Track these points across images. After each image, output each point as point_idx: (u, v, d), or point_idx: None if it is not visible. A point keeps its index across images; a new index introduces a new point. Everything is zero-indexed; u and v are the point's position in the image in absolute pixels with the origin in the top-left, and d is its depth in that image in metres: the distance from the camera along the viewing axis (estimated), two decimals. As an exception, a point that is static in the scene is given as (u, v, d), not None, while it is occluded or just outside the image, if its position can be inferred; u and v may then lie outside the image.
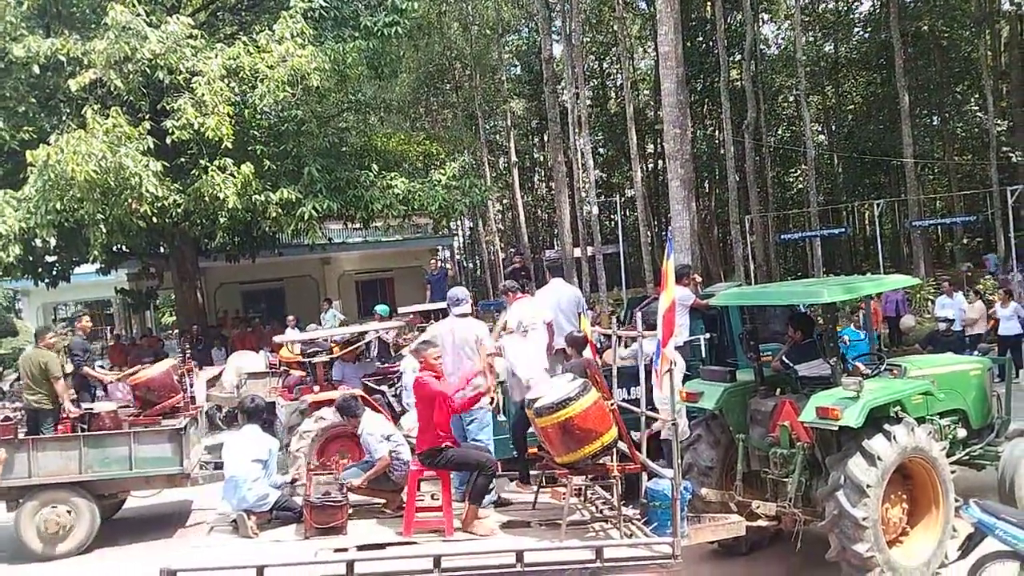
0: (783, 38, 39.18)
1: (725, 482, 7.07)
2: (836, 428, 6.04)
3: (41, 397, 9.18)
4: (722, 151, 31.41)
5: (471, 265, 48.96)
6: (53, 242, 13.73)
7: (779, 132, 39.02)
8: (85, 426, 9.16)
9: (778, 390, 7.15)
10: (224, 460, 6.53)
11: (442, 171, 17.16)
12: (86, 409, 9.53)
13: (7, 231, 12.74)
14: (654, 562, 5.54)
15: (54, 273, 17.40)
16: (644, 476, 6.21)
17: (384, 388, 10.91)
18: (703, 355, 8.85)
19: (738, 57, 32.07)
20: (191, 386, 12.66)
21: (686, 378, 7.55)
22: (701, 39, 34.60)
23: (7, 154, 14.00)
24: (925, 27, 30.65)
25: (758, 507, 6.58)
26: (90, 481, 8.50)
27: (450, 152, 25.09)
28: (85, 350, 10.95)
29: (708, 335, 8.94)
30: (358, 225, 19.17)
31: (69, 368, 10.63)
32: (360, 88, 17.59)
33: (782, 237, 29.29)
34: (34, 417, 9.26)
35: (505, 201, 42.18)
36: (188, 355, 12.61)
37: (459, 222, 43.54)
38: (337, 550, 5.60)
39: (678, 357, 7.27)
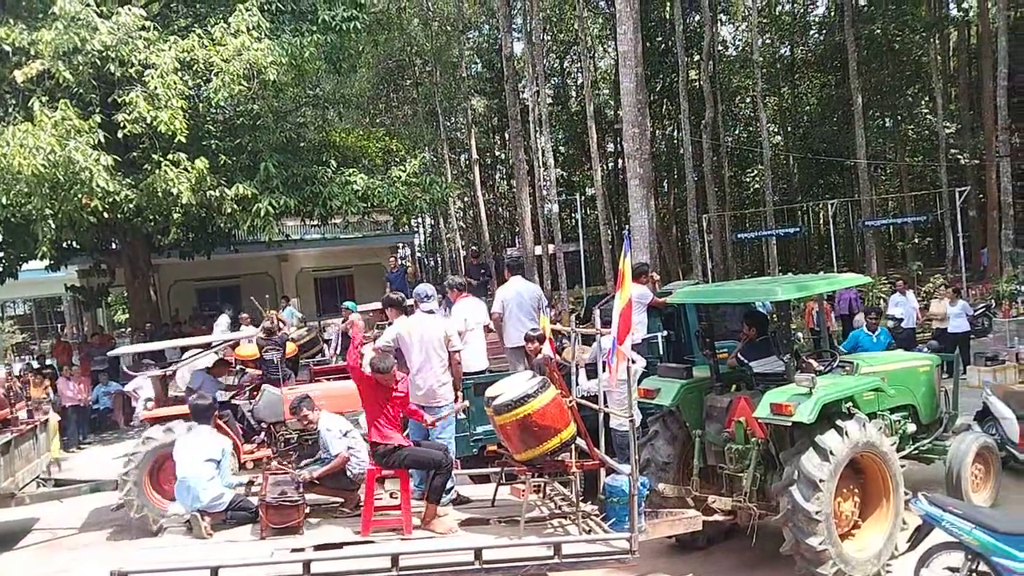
0: (741, 39, 39.79)
1: (682, 478, 7.15)
2: (790, 424, 6.14)
3: None
4: (680, 151, 31.79)
5: (432, 263, 48.77)
6: (0, 238, 13.30)
7: (736, 132, 39.58)
8: None
9: (733, 387, 7.27)
10: (176, 460, 6.39)
11: (402, 168, 17.03)
12: None
13: (-50, 226, 12.35)
14: (612, 557, 5.56)
15: (1, 269, 16.87)
16: (603, 472, 6.24)
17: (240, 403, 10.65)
18: (660, 352, 8.92)
19: (697, 57, 32.42)
20: (27, 399, 12.34)
21: (643, 375, 7.61)
22: (660, 39, 34.90)
23: (-49, 147, 13.51)
24: (878, 31, 31.32)
25: (714, 502, 6.67)
26: None
27: (410, 148, 25.00)
28: None
29: (665, 332, 9.03)
30: (316, 222, 18.98)
31: None
32: (318, 83, 17.44)
33: (738, 236, 29.67)
34: None
35: (466, 199, 42.10)
36: (33, 366, 12.09)
37: (420, 220, 43.42)
38: (294, 550, 5.52)
39: (637, 356, 7.35)
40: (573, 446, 6.04)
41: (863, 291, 19.13)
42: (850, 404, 6.42)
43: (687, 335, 9.11)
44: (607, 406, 6.76)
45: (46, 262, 16.76)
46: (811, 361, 7.01)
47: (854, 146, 28.20)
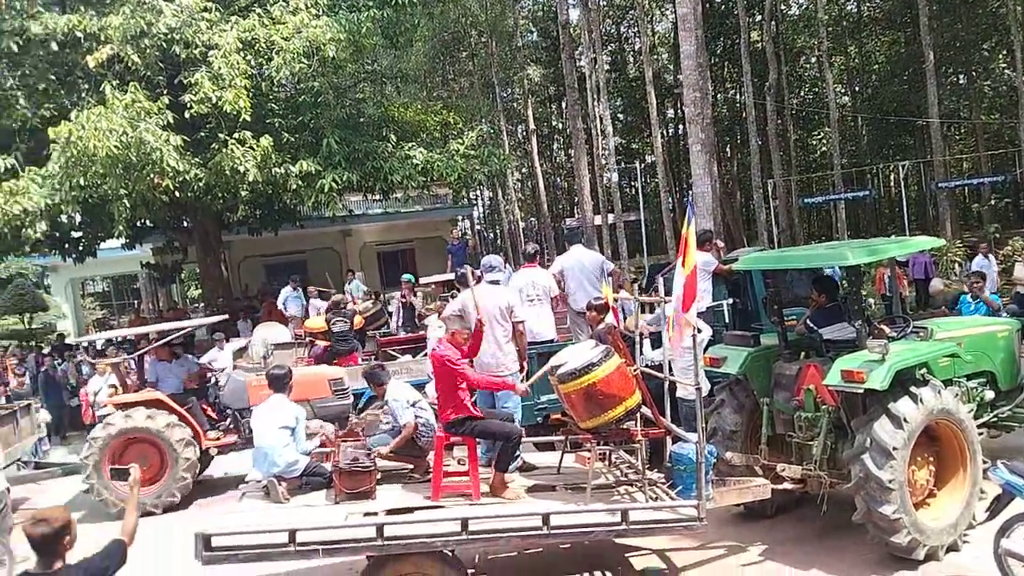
0: (804, -2, 38.41)
1: (750, 446, 7.08)
2: (861, 391, 6.01)
3: None
4: (743, 114, 31.04)
5: (491, 235, 48.92)
6: (78, 218, 13.88)
7: (801, 94, 38.40)
8: None
9: (802, 354, 7.12)
10: (253, 429, 6.64)
11: (460, 140, 17.06)
12: None
13: (33, 208, 12.86)
14: (679, 524, 5.59)
15: (80, 248, 17.57)
16: (669, 441, 6.24)
17: (207, 389, 10.78)
18: (726, 320, 8.82)
19: (759, 18, 31.49)
20: (5, 385, 12.73)
21: (709, 343, 7.54)
22: (720, 0, 33.97)
23: (29, 131, 14.06)
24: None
25: (783, 470, 6.59)
26: None
27: (468, 121, 24.99)
28: None
29: (731, 300, 8.90)
30: (378, 197, 19.21)
31: None
32: (376, 58, 17.50)
33: (805, 201, 28.95)
34: None
35: (524, 170, 41.98)
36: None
37: (478, 192, 43.53)
38: (367, 514, 5.69)
39: (703, 324, 7.27)
40: (639, 414, 6.06)
41: (937, 255, 18.49)
42: (924, 370, 6.24)
43: (754, 302, 8.97)
44: (672, 375, 6.73)
45: (122, 241, 17.39)
46: (883, 327, 6.83)
47: (926, 105, 27.05)
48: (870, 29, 37.46)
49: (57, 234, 15.87)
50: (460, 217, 33.06)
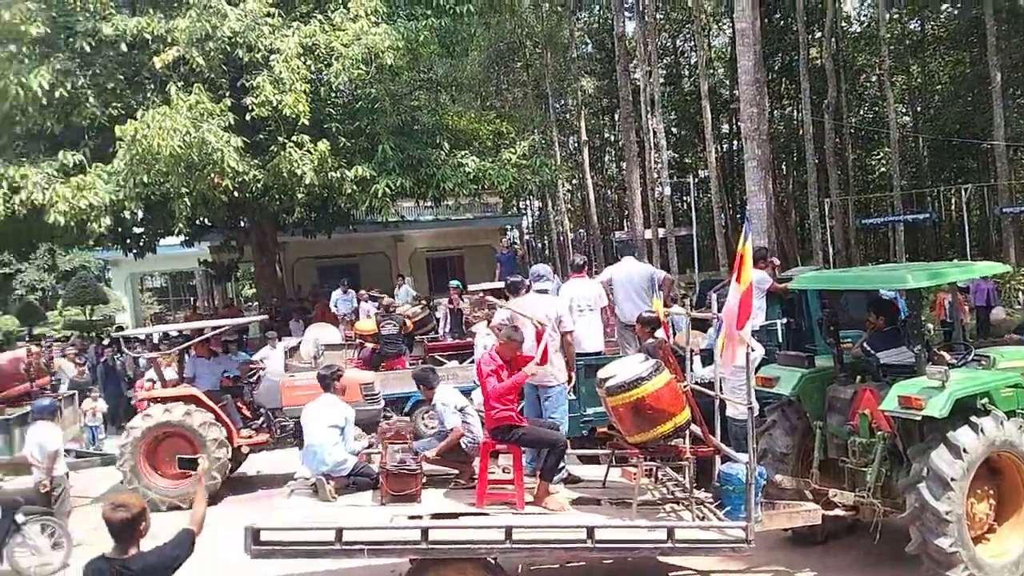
0: (865, 15, 37.70)
1: (800, 469, 6.93)
2: (919, 418, 5.84)
3: None
4: (800, 132, 30.53)
5: (540, 245, 48.94)
6: (140, 214, 14.28)
7: (860, 112, 37.61)
8: None
9: (858, 378, 6.95)
10: (303, 427, 6.74)
11: (512, 150, 17.16)
12: None
13: (98, 203, 13.29)
14: (726, 545, 5.50)
15: (141, 244, 18.10)
16: (717, 460, 6.15)
17: (244, 386, 10.85)
18: (779, 340, 8.66)
19: (818, 34, 31.01)
20: (51, 375, 12.98)
21: (761, 363, 7.42)
22: (779, 16, 33.54)
23: (98, 129, 14.54)
24: (1021, 1, 28.97)
25: (835, 496, 6.44)
26: None
27: (520, 131, 25.08)
28: None
29: (785, 320, 8.74)
30: (429, 203, 19.40)
31: None
32: (432, 66, 17.70)
33: (863, 222, 28.30)
34: None
35: (575, 181, 41.92)
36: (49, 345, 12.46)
37: (528, 201, 43.62)
38: (411, 517, 5.72)
39: (755, 343, 7.16)
40: (687, 432, 5.98)
41: (1000, 283, 17.92)
42: (986, 400, 6.04)
43: (808, 323, 8.78)
44: (723, 393, 6.64)
45: (181, 238, 17.88)
46: (943, 353, 6.64)
47: (991, 127, 26.26)
48: (934, 48, 36.55)
49: (120, 229, 16.36)
50: (509, 226, 33.19)
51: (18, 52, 13.71)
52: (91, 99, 14.16)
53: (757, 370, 7.05)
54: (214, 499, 9.78)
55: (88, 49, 13.96)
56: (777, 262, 10.57)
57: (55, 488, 8.48)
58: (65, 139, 14.52)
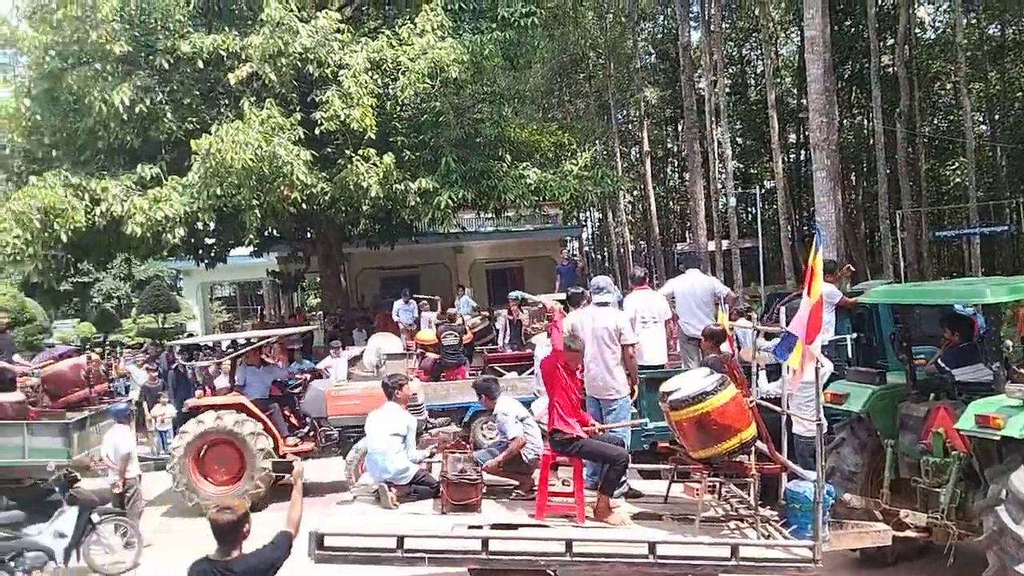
0: (941, 20, 36.51)
1: (870, 489, 6.75)
2: (998, 438, 5.62)
3: None
4: (871, 141, 29.71)
5: (599, 256, 48.71)
6: (212, 225, 14.68)
7: (935, 121, 36.39)
8: None
9: (932, 395, 6.74)
10: (367, 434, 6.85)
11: (574, 161, 17.15)
12: None
13: (173, 214, 13.76)
14: (792, 565, 5.36)
15: (213, 254, 18.66)
16: (784, 477, 6.01)
17: (293, 395, 10.96)
18: (848, 356, 8.43)
19: (890, 41, 30.15)
20: (110, 381, 13.26)
21: (830, 379, 7.23)
22: (850, 23, 32.73)
23: (173, 143, 15.07)
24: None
25: (907, 517, 6.24)
26: None
27: (582, 142, 25.05)
28: None
29: (855, 335, 8.51)
30: (490, 215, 19.51)
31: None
32: (495, 79, 17.82)
33: (936, 234, 27.32)
34: None
35: (636, 192, 41.62)
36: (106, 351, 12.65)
37: (588, 213, 43.47)
38: (471, 527, 5.75)
39: (824, 359, 6.99)
40: (753, 448, 5.87)
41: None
42: (1072, 421, 5.77)
43: (879, 338, 8.54)
44: (789, 409, 6.50)
45: (251, 249, 18.37)
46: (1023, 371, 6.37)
47: (1076, 136, 25.13)
48: (1014, 54, 35.17)
49: (193, 240, 16.90)
50: (569, 238, 33.14)
51: (102, 70, 14.34)
52: (168, 114, 14.66)
53: (825, 386, 6.89)
54: (257, 507, 9.92)
55: (167, 66, 14.49)
56: (852, 269, 10.27)
57: (128, 489, 8.81)
58: (143, 153, 15.08)
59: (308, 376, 11.90)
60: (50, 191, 13.59)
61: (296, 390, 11.26)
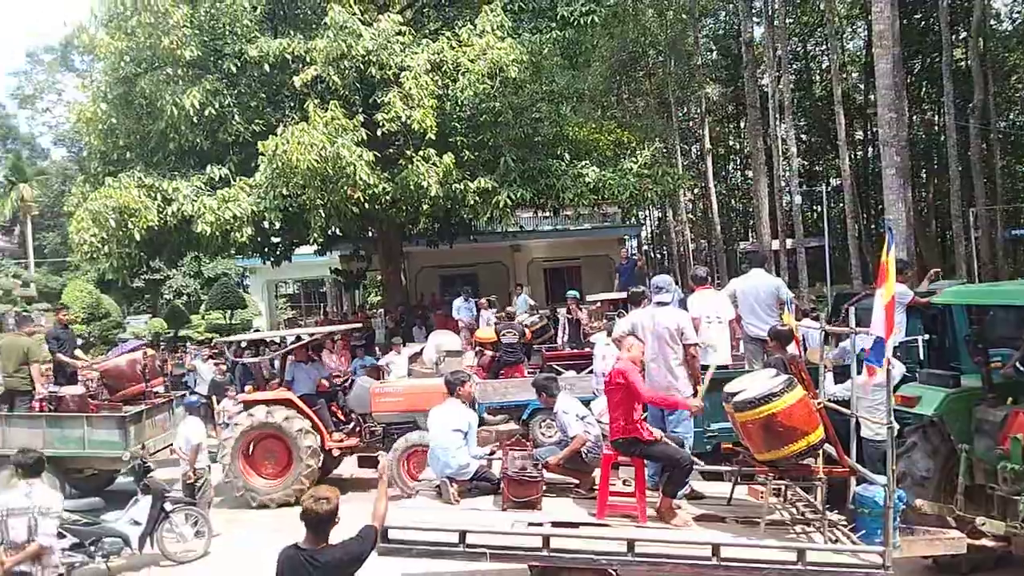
0: (1018, 11, 35.06)
1: (942, 495, 6.53)
2: (1082, 445, 5.39)
3: (19, 379, 10.18)
4: (942, 137, 28.77)
5: (658, 255, 48.24)
6: (278, 225, 14.98)
7: (1010, 117, 35.00)
8: (53, 407, 10.11)
9: (1009, 399, 6.49)
10: (429, 429, 6.93)
11: (634, 159, 17.00)
12: (51, 392, 10.37)
13: (241, 214, 14.12)
14: (861, 570, 5.22)
15: (278, 253, 19.09)
16: (852, 481, 5.87)
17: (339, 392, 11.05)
18: (919, 358, 8.17)
19: (963, 34, 29.09)
20: (166, 376, 13.53)
21: (901, 381, 7.03)
22: (920, 16, 31.74)
23: (241, 145, 15.47)
24: None
25: (983, 524, 6.02)
26: (52, 456, 8.97)
27: (641, 140, 24.81)
28: (57, 338, 11.27)
29: (927, 336, 8.24)
30: (548, 214, 19.52)
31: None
32: (554, 78, 17.79)
33: (1012, 233, 26.24)
34: (11, 397, 10.30)
35: (696, 190, 41.07)
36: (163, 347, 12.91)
37: (647, 211, 43.08)
38: (532, 524, 5.76)
39: (894, 361, 6.80)
40: (820, 451, 5.74)
41: None
42: None
43: (953, 340, 8.24)
44: (858, 412, 6.33)
45: (315, 247, 18.71)
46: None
47: None
48: (1097, 45, 33.57)
49: (259, 239, 17.31)
50: (627, 236, 32.91)
51: (174, 74, 14.82)
52: (236, 117, 15.03)
53: (896, 388, 6.70)
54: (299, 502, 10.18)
55: (235, 70, 14.88)
56: (940, 272, 9.92)
57: (198, 479, 9.10)
58: (212, 154, 15.53)
59: (351, 374, 12.09)
60: (125, 191, 14.08)
61: (343, 385, 11.45)
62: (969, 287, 8.82)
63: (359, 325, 14.97)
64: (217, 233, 14.35)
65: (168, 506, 8.34)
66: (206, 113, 14.43)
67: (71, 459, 9.97)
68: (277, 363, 11.44)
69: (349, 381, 11.48)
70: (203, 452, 9.25)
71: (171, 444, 10.88)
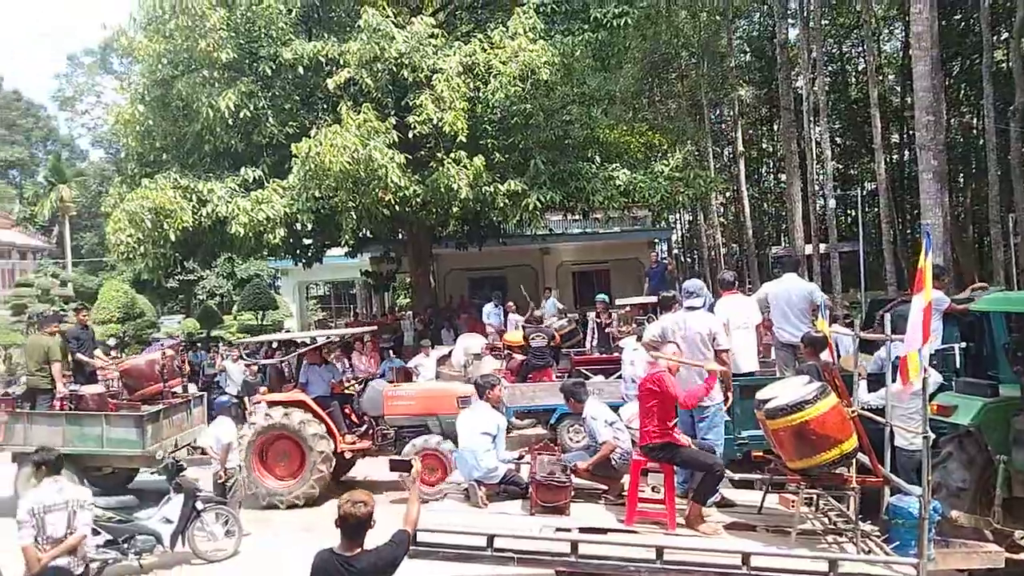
0: (1064, 11, 34.24)
1: (979, 507, 6.40)
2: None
3: (40, 377, 10.29)
4: (981, 141, 28.20)
5: (689, 259, 47.87)
6: (310, 226, 15.11)
7: (1054, 119, 34.17)
8: (72, 405, 10.21)
9: (1050, 410, 6.34)
10: (458, 433, 6.94)
11: (665, 162, 16.91)
12: (71, 391, 10.45)
13: (274, 215, 14.27)
14: (894, 583, 5.13)
15: (310, 254, 19.27)
16: (886, 491, 5.77)
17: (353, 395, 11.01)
18: (956, 366, 8.00)
19: (1005, 35, 28.49)
20: (184, 376, 13.63)
21: (937, 390, 6.89)
22: (959, 16, 31.12)
23: (275, 147, 15.64)
24: None
25: (1022, 538, 5.87)
26: (71, 454, 9.13)
27: (673, 143, 24.65)
28: (77, 338, 11.33)
29: (964, 344, 8.07)
30: (577, 217, 19.46)
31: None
32: (585, 80, 17.75)
33: (1052, 239, 25.52)
34: (32, 395, 10.44)
35: (729, 193, 40.68)
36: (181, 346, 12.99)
37: (678, 215, 42.78)
38: (559, 529, 5.75)
39: (930, 369, 6.67)
40: (854, 460, 5.65)
41: None
42: None
43: (991, 348, 8.06)
44: (892, 421, 6.22)
45: (345, 249, 18.86)
46: None
47: None
48: None
49: (292, 240, 17.50)
50: (657, 240, 32.71)
51: (210, 77, 15.04)
52: (270, 119, 15.18)
53: (932, 397, 6.57)
54: (316, 502, 10.15)
55: (269, 72, 15.04)
56: (986, 287, 9.72)
57: (229, 479, 9.20)
58: (247, 156, 15.70)
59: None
60: (160, 192, 14.31)
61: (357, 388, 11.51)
62: (1008, 295, 8.62)
63: (375, 328, 15.03)
64: (250, 234, 14.52)
65: (199, 505, 8.43)
66: (241, 115, 14.62)
67: (89, 457, 10.12)
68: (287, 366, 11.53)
69: (365, 383, 11.53)
70: (234, 452, 9.35)
71: (189, 443, 11.02)
